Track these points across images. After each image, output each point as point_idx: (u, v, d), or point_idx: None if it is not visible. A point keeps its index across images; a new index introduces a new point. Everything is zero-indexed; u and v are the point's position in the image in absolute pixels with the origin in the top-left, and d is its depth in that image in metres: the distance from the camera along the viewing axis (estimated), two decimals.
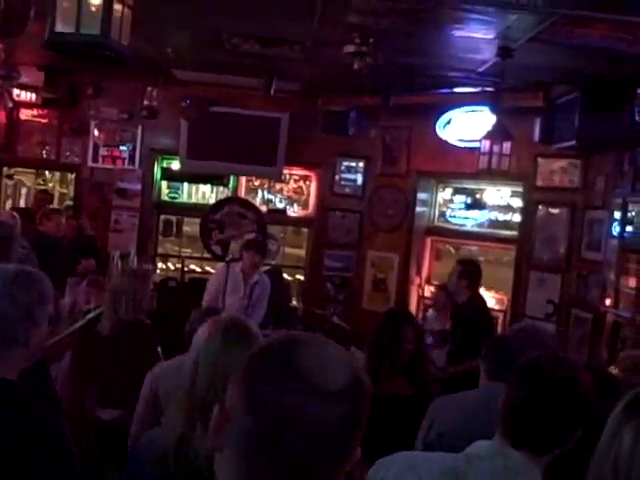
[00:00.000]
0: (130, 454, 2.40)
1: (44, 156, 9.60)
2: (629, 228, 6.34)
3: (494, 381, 3.13)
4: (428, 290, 8.86)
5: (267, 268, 9.07)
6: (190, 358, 2.36)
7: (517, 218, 8.40)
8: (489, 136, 6.22)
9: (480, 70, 6.31)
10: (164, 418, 2.63)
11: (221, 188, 10.02)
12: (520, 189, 8.21)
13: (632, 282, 6.26)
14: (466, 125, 8.20)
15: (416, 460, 2.03)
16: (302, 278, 9.96)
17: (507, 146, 6.17)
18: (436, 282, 8.90)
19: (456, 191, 9.13)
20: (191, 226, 10.17)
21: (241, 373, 1.16)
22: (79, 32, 3.10)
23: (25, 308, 2.17)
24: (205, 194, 10.26)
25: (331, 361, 1.14)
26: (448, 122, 8.40)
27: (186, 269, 9.81)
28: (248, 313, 6.76)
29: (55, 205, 10.55)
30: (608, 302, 6.54)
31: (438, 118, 8.40)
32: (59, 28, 3.16)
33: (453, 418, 3.15)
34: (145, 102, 8.38)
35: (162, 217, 9.98)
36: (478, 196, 8.92)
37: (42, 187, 10.64)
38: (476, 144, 6.67)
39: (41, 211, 8.02)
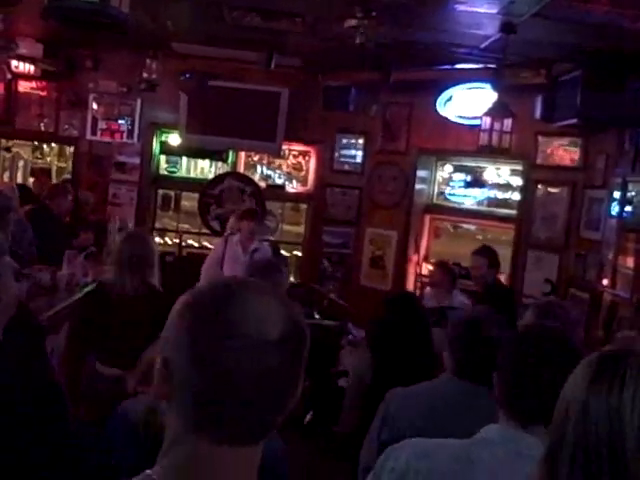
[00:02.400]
0: (106, 428, 2.40)
1: (42, 129, 9.56)
2: (628, 208, 6.33)
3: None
4: (426, 268, 8.86)
5: (265, 244, 9.08)
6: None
7: (516, 197, 8.38)
8: (490, 113, 6.18)
9: (482, 46, 6.26)
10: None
11: (220, 163, 9.99)
12: (520, 167, 8.19)
13: (630, 262, 6.26)
14: (467, 102, 8.16)
15: (427, 447, 2.00)
16: (300, 254, 9.95)
17: (508, 123, 6.14)
18: (433, 260, 8.91)
19: (456, 169, 9.11)
20: (189, 201, 10.12)
21: (182, 325, 1.16)
22: None
23: None
24: (204, 169, 10.22)
25: (265, 311, 1.15)
26: (449, 99, 8.36)
27: (184, 244, 9.79)
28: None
29: (54, 179, 10.56)
30: (606, 282, 6.54)
31: (439, 95, 8.35)
32: None
33: (408, 415, 2.83)
34: (144, 75, 8.31)
35: (160, 192, 9.94)
36: (478, 174, 8.90)
37: (42, 165, 10.61)
38: (477, 121, 6.64)
39: (53, 186, 8.12)
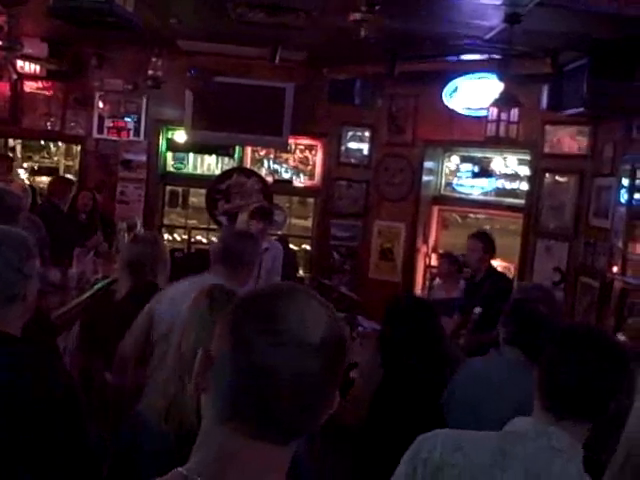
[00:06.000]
0: (123, 432, 2.39)
1: (49, 128, 9.57)
2: (637, 195, 6.33)
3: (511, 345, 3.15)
4: (435, 259, 8.86)
5: (274, 238, 9.08)
6: (179, 322, 2.40)
7: (524, 186, 8.37)
8: (496, 103, 6.15)
9: (487, 37, 6.24)
10: (151, 383, 2.62)
11: (227, 159, 10.00)
12: (527, 157, 8.17)
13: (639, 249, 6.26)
14: (473, 93, 8.14)
15: (461, 441, 2.00)
16: (309, 248, 9.96)
17: (515, 113, 6.11)
18: (441, 251, 8.91)
19: (463, 159, 9.10)
20: (197, 197, 10.16)
21: (227, 318, 1.20)
22: None
23: (17, 266, 2.25)
24: (210, 165, 10.23)
25: (310, 315, 1.17)
26: (455, 90, 8.34)
27: (192, 240, 9.80)
28: (262, 281, 6.72)
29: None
30: (615, 269, 6.54)
31: (445, 86, 8.34)
32: None
33: (457, 382, 3.20)
34: (150, 73, 8.30)
35: (168, 188, 9.98)
36: (485, 164, 8.88)
37: (49, 164, 10.67)
38: (483, 112, 6.62)
39: (53, 181, 8.32)
